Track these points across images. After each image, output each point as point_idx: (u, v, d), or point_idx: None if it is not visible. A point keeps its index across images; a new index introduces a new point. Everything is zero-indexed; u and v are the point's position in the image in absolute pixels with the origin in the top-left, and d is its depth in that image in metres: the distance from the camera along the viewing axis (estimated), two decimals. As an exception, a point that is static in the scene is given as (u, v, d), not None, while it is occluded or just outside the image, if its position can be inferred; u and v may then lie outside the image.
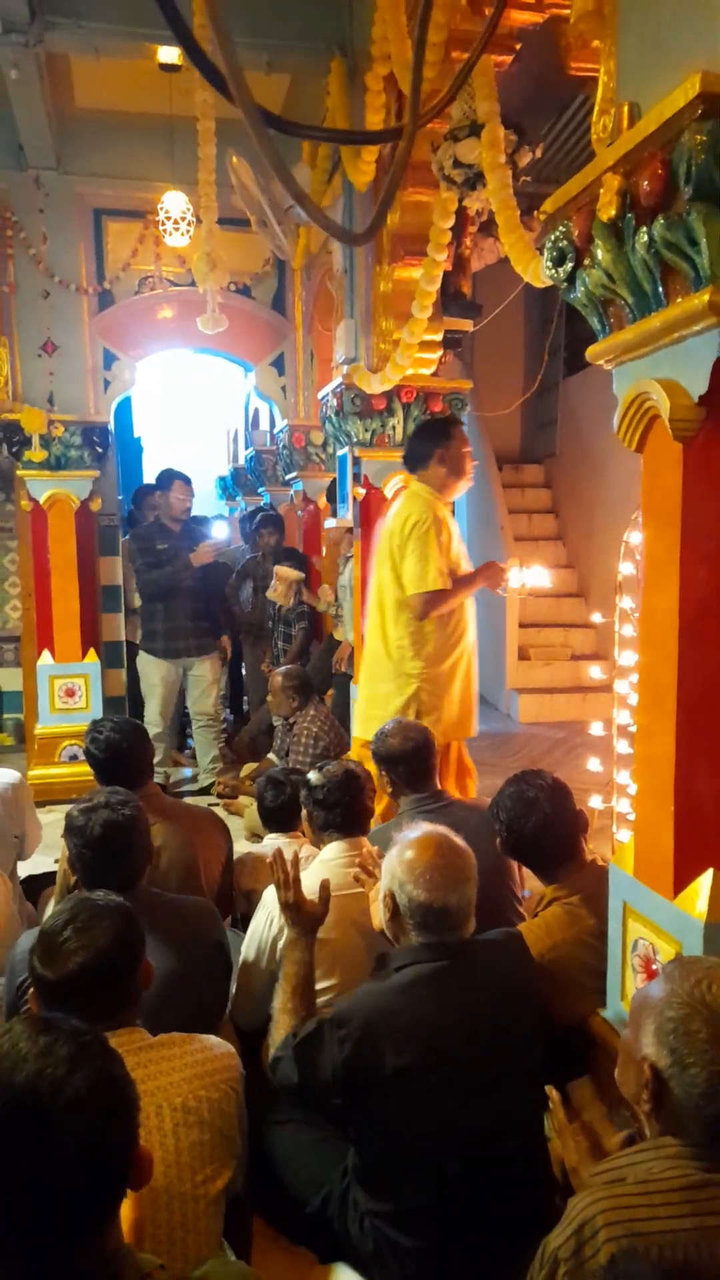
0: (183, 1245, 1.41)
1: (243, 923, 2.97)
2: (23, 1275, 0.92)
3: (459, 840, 1.84)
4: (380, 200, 2.58)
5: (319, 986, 2.24)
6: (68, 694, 5.46)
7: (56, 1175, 0.91)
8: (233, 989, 2.40)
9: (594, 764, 3.98)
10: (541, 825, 2.32)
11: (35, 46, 3.81)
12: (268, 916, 2.29)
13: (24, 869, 3.24)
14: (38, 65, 4.07)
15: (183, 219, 4.67)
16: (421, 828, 1.88)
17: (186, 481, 5.28)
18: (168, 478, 5.30)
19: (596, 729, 3.92)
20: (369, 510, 4.44)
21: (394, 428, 4.25)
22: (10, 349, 5.28)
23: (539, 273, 2.52)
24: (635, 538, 3.52)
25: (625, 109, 1.80)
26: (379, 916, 1.91)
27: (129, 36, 4.02)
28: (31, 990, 1.49)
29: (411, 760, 2.83)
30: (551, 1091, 1.67)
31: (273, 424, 6.85)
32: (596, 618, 5.12)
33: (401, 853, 1.82)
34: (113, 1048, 1.04)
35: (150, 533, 5.27)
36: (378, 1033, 1.67)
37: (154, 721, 5.27)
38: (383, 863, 1.89)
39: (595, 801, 3.76)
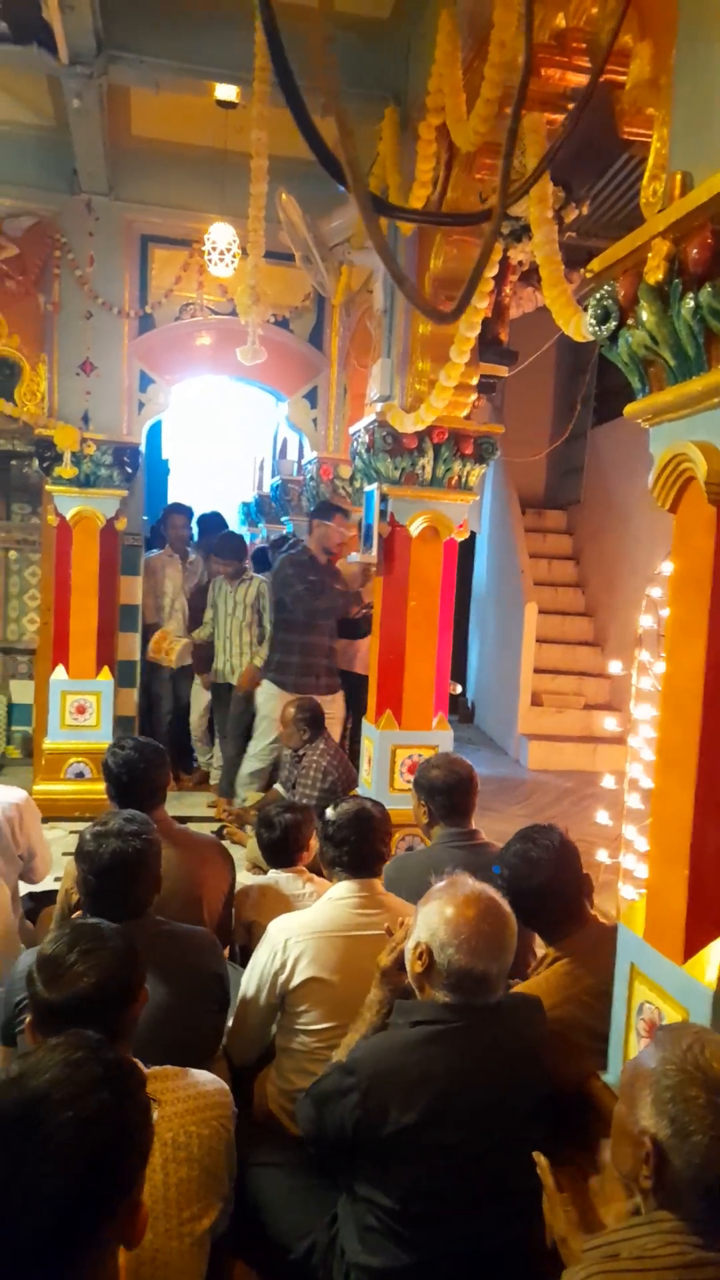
0: (165, 1283, 1.39)
1: (242, 955, 2.95)
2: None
3: (504, 903, 1.80)
4: (469, 279, 2.62)
5: (317, 1028, 2.21)
6: (79, 711, 5.47)
7: (37, 1188, 0.90)
8: (229, 1023, 2.37)
9: (603, 817, 3.95)
10: (545, 886, 2.26)
11: (99, 79, 3.92)
12: (270, 951, 2.26)
13: (24, 885, 3.22)
14: (99, 96, 4.18)
15: (228, 250, 4.75)
16: (466, 883, 1.82)
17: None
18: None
19: (608, 782, 3.89)
20: (393, 547, 4.46)
21: (424, 467, 4.28)
22: (50, 366, 5.36)
23: (580, 328, 2.55)
24: (657, 592, 3.52)
25: (678, 177, 1.83)
26: (410, 966, 1.84)
27: (189, 73, 4.13)
28: (29, 1017, 1.48)
29: (451, 794, 2.84)
30: (539, 1157, 1.63)
31: (301, 454, 6.92)
32: (615, 668, 5.10)
33: (443, 908, 1.76)
34: (148, 1095, 1.03)
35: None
36: (385, 1087, 1.65)
37: (260, 755, 5.18)
38: (420, 912, 1.83)
39: (602, 855, 3.73)
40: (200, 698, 6.19)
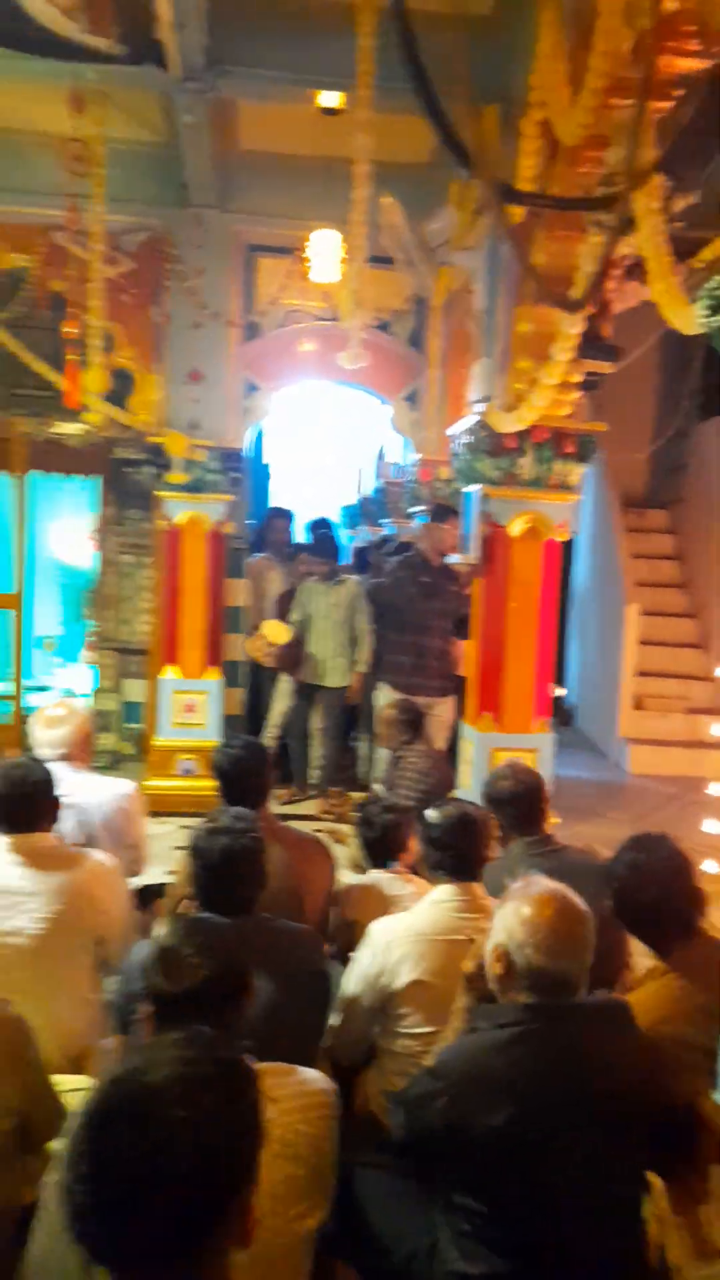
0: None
1: (341, 953, 2.98)
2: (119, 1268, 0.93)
3: (580, 902, 1.79)
4: (598, 268, 2.60)
5: (419, 1031, 2.22)
6: (188, 709, 5.63)
7: (154, 1184, 0.90)
8: (331, 1021, 2.40)
9: (711, 825, 3.83)
10: (658, 897, 2.21)
11: (209, 93, 4.02)
12: (372, 953, 2.28)
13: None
14: (209, 111, 4.29)
15: (330, 256, 4.81)
16: (540, 883, 1.83)
17: (460, 517, 5.10)
18: (442, 511, 5.20)
19: (715, 789, 3.77)
20: (493, 548, 4.43)
21: (524, 467, 4.24)
22: (161, 375, 5.54)
23: (690, 320, 2.48)
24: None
25: None
26: (489, 970, 1.85)
27: (296, 82, 4.20)
28: (145, 1007, 1.54)
29: (521, 803, 2.81)
30: (654, 1179, 1.59)
31: (401, 457, 6.93)
32: (721, 672, 4.94)
33: (519, 909, 1.77)
34: (263, 1093, 1.03)
35: (416, 562, 5.18)
36: (471, 1090, 1.65)
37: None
38: (496, 914, 1.84)
39: (710, 866, 3.62)
40: (282, 698, 6.25)
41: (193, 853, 2.14)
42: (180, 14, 3.58)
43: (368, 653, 5.58)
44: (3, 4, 3.89)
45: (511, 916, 1.77)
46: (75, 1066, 2.37)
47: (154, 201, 5.42)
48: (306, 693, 5.85)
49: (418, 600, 5.07)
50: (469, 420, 4.36)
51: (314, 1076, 1.61)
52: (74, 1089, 2.08)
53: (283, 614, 6.02)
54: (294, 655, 5.90)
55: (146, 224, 5.44)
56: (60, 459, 6.63)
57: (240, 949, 1.56)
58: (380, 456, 8.02)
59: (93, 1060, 2.39)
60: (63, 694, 7.44)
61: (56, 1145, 1.74)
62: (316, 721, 5.93)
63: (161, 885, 3.32)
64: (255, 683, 6.31)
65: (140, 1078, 0.96)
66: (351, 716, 6.48)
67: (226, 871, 2.11)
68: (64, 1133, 1.51)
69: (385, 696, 5.21)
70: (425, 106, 2.07)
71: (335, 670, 5.69)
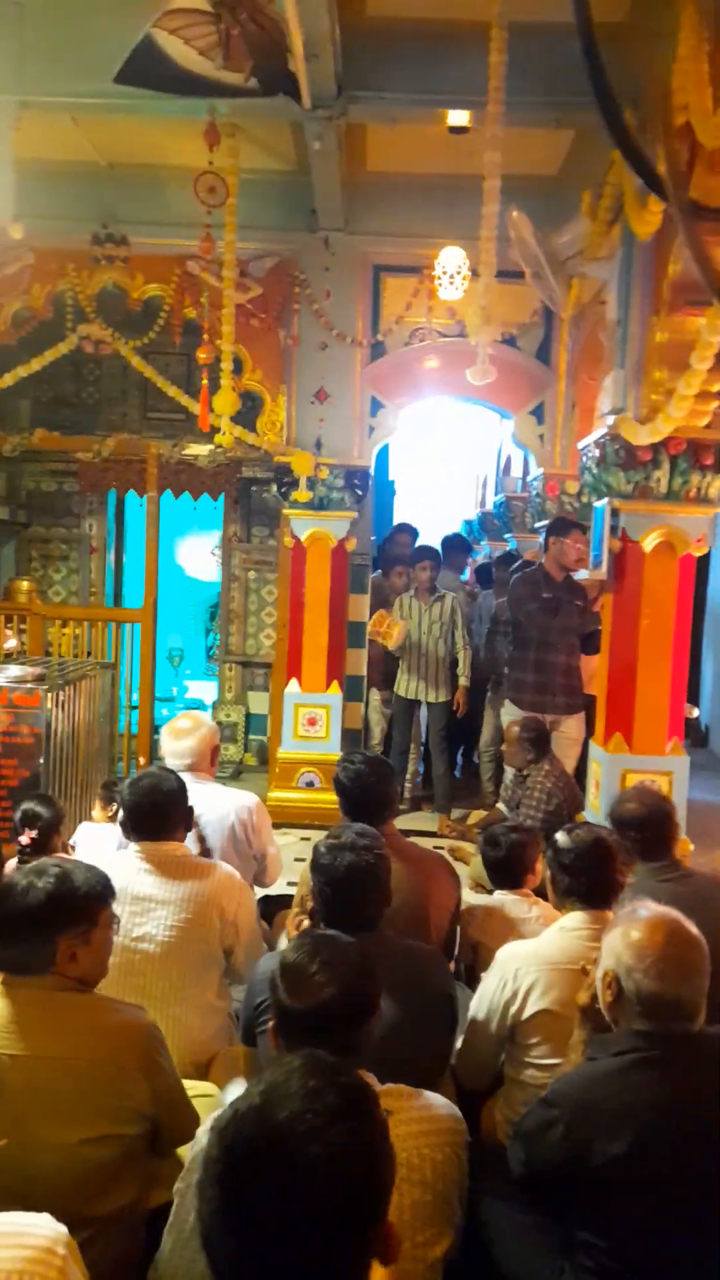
0: (399, 1306, 1.39)
1: (467, 974, 2.93)
2: None
3: (691, 927, 1.72)
4: None
5: (546, 1063, 2.15)
6: (310, 723, 5.69)
7: (295, 1222, 0.88)
8: (457, 1044, 2.36)
9: None
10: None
11: (339, 119, 4.10)
12: (500, 979, 2.22)
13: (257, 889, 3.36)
14: (338, 136, 4.37)
15: (458, 273, 4.81)
16: (649, 907, 1.78)
17: (584, 531, 5.07)
18: (565, 525, 5.13)
19: None
20: (624, 563, 4.30)
21: (658, 480, 4.10)
22: (288, 397, 5.66)
23: None
24: None
25: None
26: (600, 997, 1.80)
27: (424, 104, 4.23)
28: (271, 1021, 1.55)
29: (646, 827, 2.71)
30: None
31: (525, 471, 6.84)
32: None
33: (627, 933, 1.72)
34: (382, 1113, 1.00)
35: (537, 578, 5.12)
36: (589, 1118, 1.60)
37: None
38: (605, 940, 1.80)
39: None
40: (377, 714, 6.25)
41: (316, 869, 2.13)
42: (311, 45, 3.67)
43: (468, 667, 5.70)
44: (145, 49, 4.10)
45: (619, 941, 1.72)
46: (201, 1073, 2.41)
47: (283, 227, 5.56)
48: (406, 707, 5.85)
49: (539, 617, 4.97)
50: (599, 433, 4.26)
51: (441, 1102, 1.58)
52: (201, 1095, 2.12)
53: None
54: (387, 670, 5.93)
55: (275, 250, 5.59)
56: (190, 479, 6.88)
57: (367, 968, 1.55)
58: (503, 471, 7.94)
59: (219, 1067, 2.43)
60: (190, 706, 7.68)
61: (186, 1151, 1.77)
62: (417, 736, 5.96)
63: (283, 897, 3.36)
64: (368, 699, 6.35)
65: (268, 1115, 0.94)
66: (470, 734, 6.42)
67: (351, 889, 2.09)
68: (194, 1145, 1.52)
69: (510, 715, 5.13)
70: (610, 127, 2.04)
71: (435, 686, 5.72)
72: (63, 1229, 1.14)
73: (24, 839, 2.93)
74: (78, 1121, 1.61)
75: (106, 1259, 1.57)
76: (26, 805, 3.04)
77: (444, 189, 5.10)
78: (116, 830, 2.97)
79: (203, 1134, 1.48)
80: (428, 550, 6.06)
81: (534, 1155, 1.69)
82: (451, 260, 4.78)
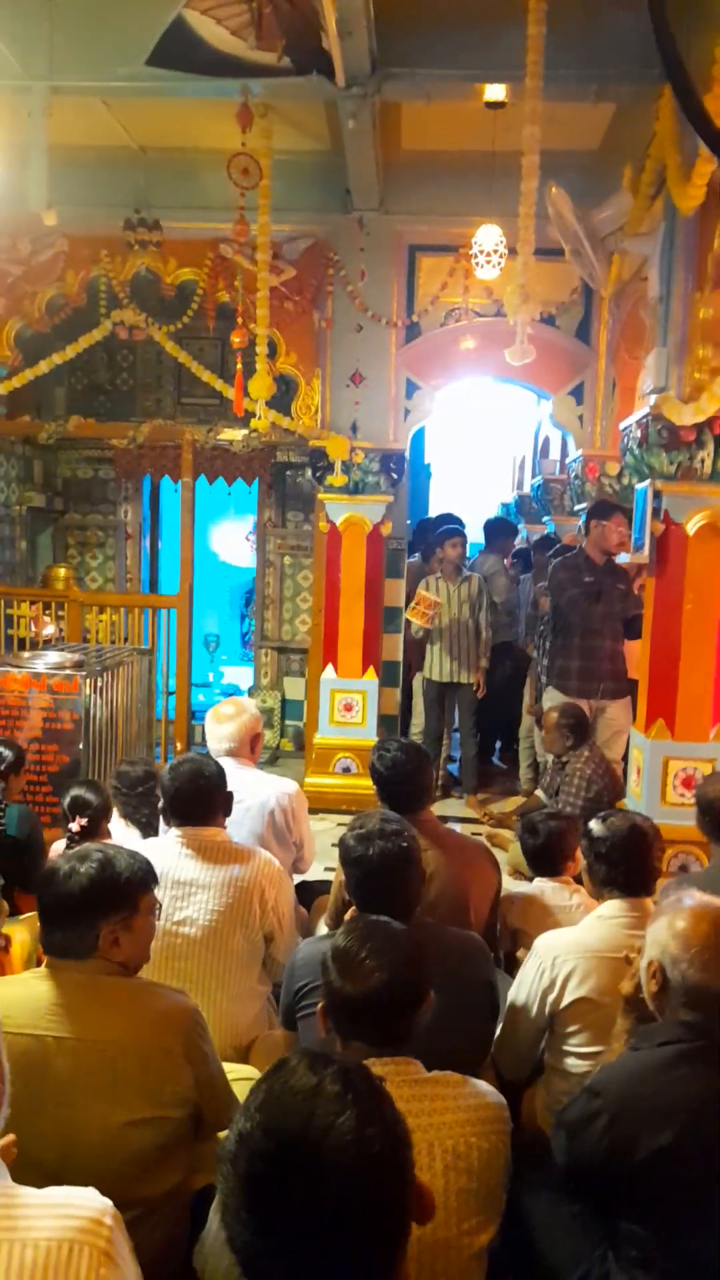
0: (444, 1294, 1.39)
1: (507, 962, 2.91)
2: None
3: None
4: None
5: (587, 1051, 2.14)
6: (346, 708, 5.69)
7: (328, 1223, 0.87)
8: (497, 1032, 2.34)
9: None
10: None
11: (373, 97, 4.04)
12: (538, 967, 2.21)
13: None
14: (373, 114, 4.32)
15: (495, 252, 4.73)
16: (695, 896, 1.76)
17: (627, 513, 4.97)
18: (607, 508, 5.04)
19: None
20: (667, 546, 4.23)
21: (703, 461, 4.02)
22: (323, 380, 5.63)
23: None
24: None
25: None
26: (645, 987, 1.78)
27: (460, 79, 4.16)
28: (321, 1003, 1.54)
29: None
30: None
31: (564, 453, 6.76)
32: None
33: (672, 923, 1.71)
34: (382, 1086, 0.98)
35: (577, 563, 5.05)
36: (634, 1109, 1.60)
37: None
38: (649, 929, 1.79)
39: None
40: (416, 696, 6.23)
41: (349, 862, 2.10)
42: (345, 22, 3.61)
43: (487, 649, 5.76)
44: (176, 31, 4.07)
45: (665, 931, 1.71)
46: (242, 1056, 2.42)
47: (316, 209, 5.51)
48: (438, 691, 5.84)
49: (581, 602, 4.90)
50: (641, 413, 4.19)
51: (487, 1089, 1.57)
52: (242, 1078, 2.13)
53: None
54: (418, 653, 5.90)
55: (309, 231, 5.54)
56: (224, 464, 6.88)
57: (418, 956, 1.55)
58: (541, 453, 7.85)
59: (260, 1051, 2.44)
60: (227, 692, 7.72)
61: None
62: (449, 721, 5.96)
63: (319, 883, 3.36)
64: (408, 684, 6.33)
65: (278, 1122, 0.92)
66: (508, 720, 6.39)
67: (387, 876, 2.05)
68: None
69: (553, 700, 5.08)
70: (681, 101, 1.97)
71: (466, 667, 5.74)
72: (108, 1202, 1.15)
73: (74, 826, 2.96)
74: (122, 1104, 1.62)
75: (153, 1239, 1.58)
76: (75, 792, 3.06)
77: (480, 166, 5.02)
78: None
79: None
80: (456, 529, 6.02)
81: (576, 1145, 1.68)
82: (488, 238, 4.70)
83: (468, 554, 6.06)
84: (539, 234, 4.20)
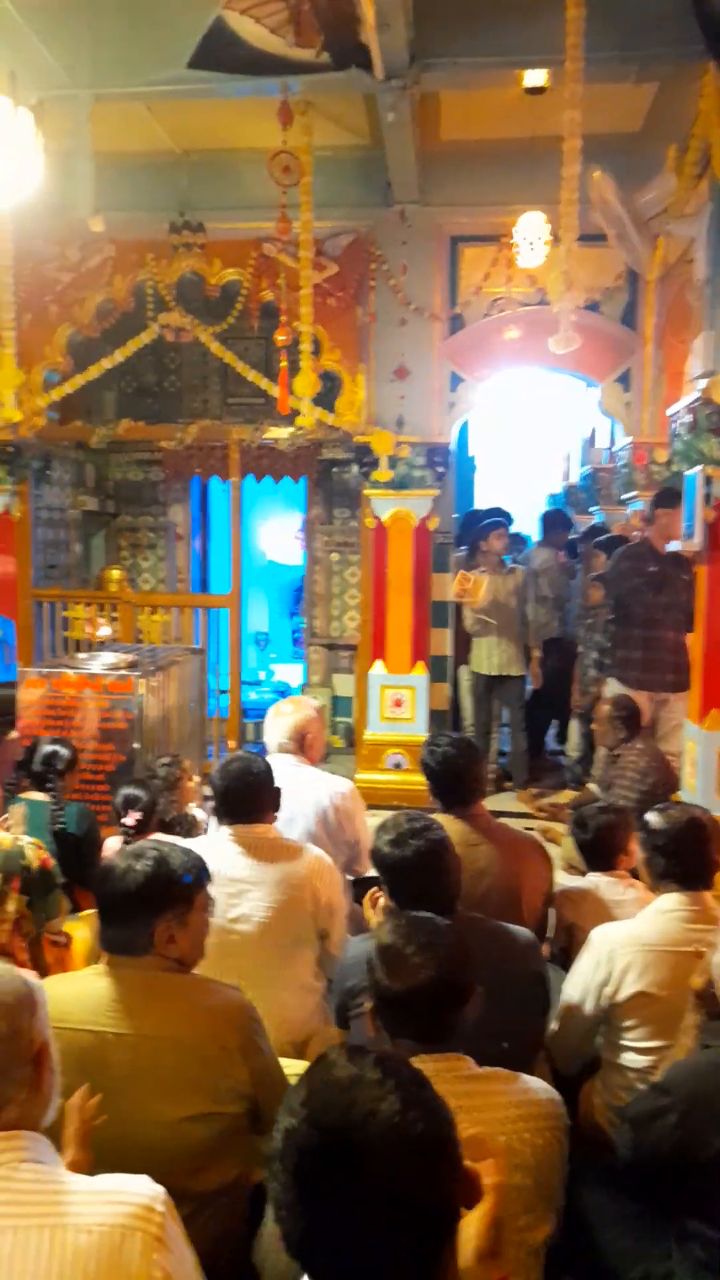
0: (501, 1291, 1.38)
1: (561, 956, 2.89)
2: None
3: None
4: None
5: (644, 1046, 2.11)
6: (396, 704, 5.69)
7: (378, 1208, 0.88)
8: (551, 1027, 2.33)
9: None
10: None
11: (412, 89, 4.02)
12: (595, 961, 2.19)
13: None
14: (412, 106, 4.29)
15: (537, 239, 4.68)
16: None
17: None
18: (671, 496, 4.94)
19: None
20: (719, 533, 4.14)
21: (755, 446, 3.93)
22: (367, 375, 5.62)
23: None
24: None
25: None
26: (717, 983, 1.76)
27: (499, 66, 4.13)
28: (368, 1003, 1.55)
29: None
30: None
31: (612, 441, 6.66)
32: None
33: None
34: (418, 1070, 0.99)
35: (641, 552, 4.99)
36: (704, 1108, 1.57)
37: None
38: None
39: None
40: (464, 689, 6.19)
41: (385, 868, 2.10)
42: (383, 14, 3.59)
43: (534, 639, 5.75)
44: (216, 32, 4.10)
45: None
46: (299, 1051, 2.44)
47: (358, 203, 5.51)
48: (485, 685, 5.80)
49: (645, 592, 4.82)
50: (690, 398, 4.10)
51: (541, 1086, 1.56)
52: (297, 1074, 2.14)
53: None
54: (464, 644, 5.88)
55: (351, 227, 5.54)
56: (271, 463, 6.91)
57: (463, 951, 1.54)
58: (588, 442, 7.74)
59: (316, 1047, 2.45)
60: (284, 690, 7.77)
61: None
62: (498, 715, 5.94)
63: (377, 879, 3.36)
64: (458, 678, 6.30)
65: (320, 1116, 0.93)
66: (561, 712, 6.32)
67: (427, 871, 2.05)
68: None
69: (614, 692, 5.02)
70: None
71: (514, 660, 5.69)
72: (160, 1189, 1.17)
73: (129, 821, 3.03)
74: (179, 1099, 1.65)
75: (211, 1233, 1.60)
76: (126, 790, 3.14)
77: (521, 153, 4.96)
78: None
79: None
80: (500, 521, 5.98)
81: (643, 1141, 1.66)
82: (531, 226, 4.65)
83: (512, 546, 6.01)
84: (582, 219, 4.14)
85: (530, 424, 10.59)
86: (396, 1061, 0.98)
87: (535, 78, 4.30)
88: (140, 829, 3.03)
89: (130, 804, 3.10)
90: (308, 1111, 0.93)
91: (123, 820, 3.07)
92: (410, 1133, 0.91)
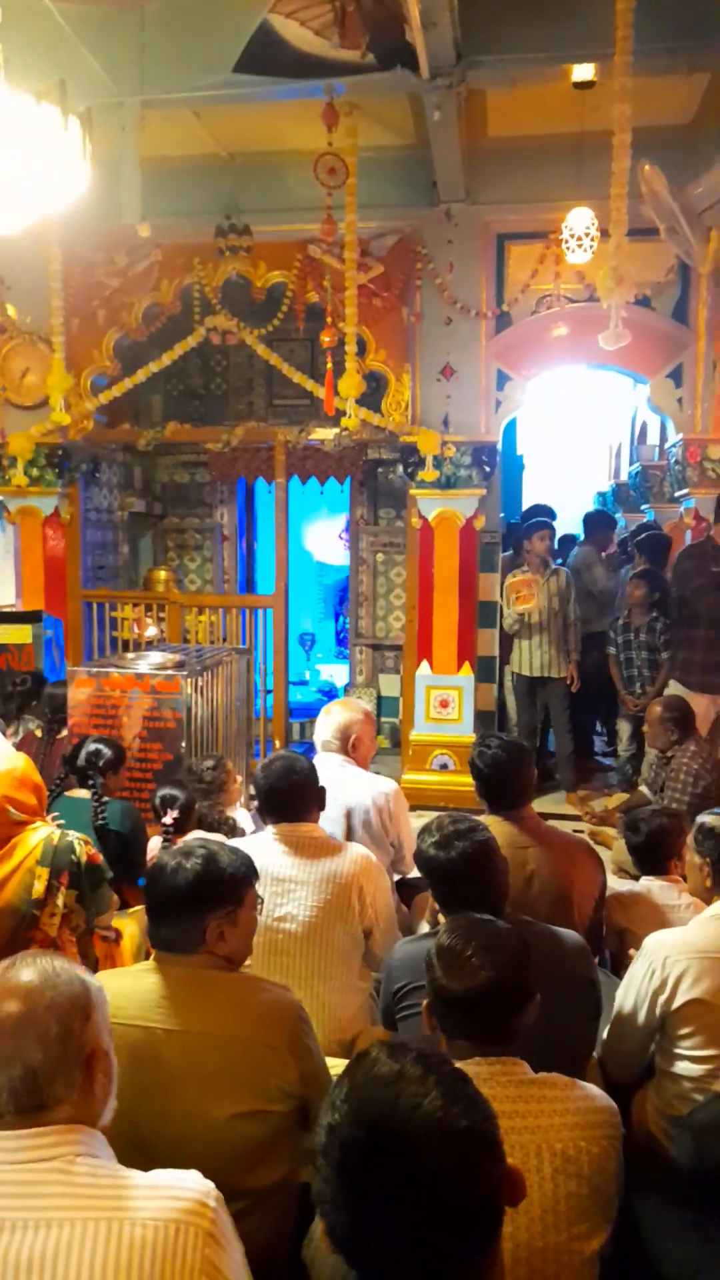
0: (555, 1299, 1.36)
1: (612, 962, 2.85)
2: None
3: None
4: None
5: (701, 1054, 2.07)
6: (442, 705, 5.66)
7: (423, 1201, 0.88)
8: (602, 1033, 2.29)
9: None
10: None
11: (458, 87, 4.00)
12: (648, 968, 2.15)
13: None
14: (458, 105, 4.27)
15: (586, 235, 4.63)
16: None
17: None
18: None
19: None
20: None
21: None
22: (413, 375, 5.61)
23: None
24: None
25: None
26: None
27: (547, 61, 4.09)
28: (426, 1000, 1.54)
29: None
30: None
31: (663, 438, 6.55)
32: None
33: None
34: (459, 1067, 0.99)
35: (704, 552, 4.95)
36: None
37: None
38: None
39: None
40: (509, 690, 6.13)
41: (431, 871, 2.08)
42: (429, 13, 3.59)
43: (578, 641, 5.62)
44: (262, 36, 4.12)
45: None
46: (345, 1050, 2.43)
47: (403, 203, 5.50)
48: (528, 686, 5.75)
49: (709, 592, 4.71)
50: (743, 393, 4.03)
51: (597, 1094, 1.54)
52: (346, 1073, 2.14)
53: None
54: (507, 645, 5.83)
55: (396, 227, 5.53)
56: (316, 464, 6.93)
57: (524, 954, 1.53)
58: (638, 439, 7.64)
59: (363, 1046, 2.45)
60: (330, 690, 7.78)
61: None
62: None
63: (421, 880, 3.35)
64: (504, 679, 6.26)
65: (364, 1109, 0.93)
66: (605, 711, 6.24)
67: (473, 872, 2.03)
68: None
69: (675, 694, 4.94)
70: None
71: (556, 662, 5.62)
72: (210, 1184, 1.18)
73: (167, 819, 3.06)
74: (229, 1097, 1.65)
75: (262, 1229, 1.61)
76: (164, 791, 3.19)
77: (569, 149, 4.91)
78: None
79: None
80: (544, 521, 5.91)
81: (706, 1150, 1.62)
82: (579, 222, 4.60)
83: (556, 546, 5.92)
84: (631, 214, 4.09)
85: (579, 421, 10.48)
86: (437, 1058, 0.99)
87: (584, 72, 4.26)
88: (178, 828, 3.05)
89: (168, 803, 3.13)
90: (350, 1107, 0.94)
91: (162, 820, 3.10)
92: (454, 1127, 0.92)
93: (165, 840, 3.00)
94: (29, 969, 1.21)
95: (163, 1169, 1.20)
